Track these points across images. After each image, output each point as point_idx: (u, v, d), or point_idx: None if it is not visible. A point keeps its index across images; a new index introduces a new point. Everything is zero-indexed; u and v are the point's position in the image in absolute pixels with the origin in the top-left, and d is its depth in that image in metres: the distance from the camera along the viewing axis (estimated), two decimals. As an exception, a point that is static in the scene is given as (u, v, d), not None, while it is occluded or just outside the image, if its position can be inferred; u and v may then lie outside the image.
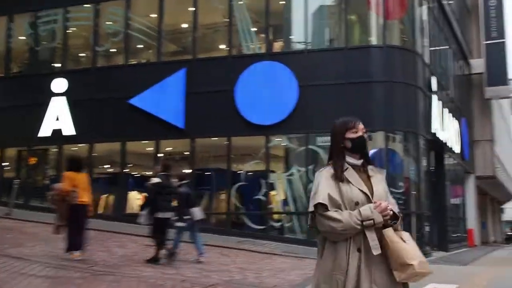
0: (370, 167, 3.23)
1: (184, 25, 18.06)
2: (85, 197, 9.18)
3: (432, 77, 17.21)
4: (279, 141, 16.07)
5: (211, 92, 16.01)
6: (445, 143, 18.84)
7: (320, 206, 2.99)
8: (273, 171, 15.87)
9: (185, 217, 10.47)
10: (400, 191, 15.08)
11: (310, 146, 15.41)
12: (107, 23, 18.43)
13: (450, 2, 22.61)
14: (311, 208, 3.02)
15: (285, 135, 15.87)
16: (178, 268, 9.63)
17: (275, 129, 15.50)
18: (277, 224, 15.73)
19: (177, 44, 19.02)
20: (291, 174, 15.55)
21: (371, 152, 15.60)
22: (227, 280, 8.68)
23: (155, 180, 10.03)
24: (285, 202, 15.63)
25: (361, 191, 3.06)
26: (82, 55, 19.84)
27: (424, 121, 16.13)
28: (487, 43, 26.65)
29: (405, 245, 2.98)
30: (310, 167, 15.26)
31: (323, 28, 17.13)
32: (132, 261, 9.91)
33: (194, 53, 16.90)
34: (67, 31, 18.91)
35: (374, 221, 2.94)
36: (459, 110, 22.74)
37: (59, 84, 17.85)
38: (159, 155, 16.83)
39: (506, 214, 60.21)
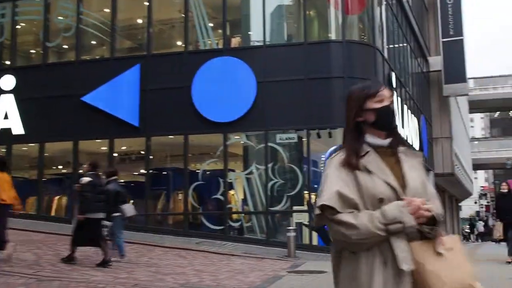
0: (401, 149, 2.39)
1: (139, 21, 17.52)
2: (4, 196, 8.82)
3: (392, 73, 17.09)
4: (238, 139, 15.68)
5: (167, 89, 15.50)
6: (406, 140, 18.78)
7: (328, 209, 2.21)
8: (231, 170, 15.46)
9: (114, 215, 10.10)
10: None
11: (270, 144, 15.07)
12: (59, 17, 17.69)
13: (409, -1, 22.65)
14: (316, 211, 2.28)
15: (244, 133, 15.50)
16: (130, 271, 9.15)
17: (233, 126, 15.10)
18: (236, 224, 15.35)
19: (132, 40, 18.45)
20: (250, 173, 15.19)
21: (330, 150, 15.32)
22: (182, 283, 8.28)
23: (85, 179, 9.56)
24: (244, 201, 15.26)
25: (387, 183, 2.25)
26: (32, 51, 19.04)
27: (384, 117, 15.96)
28: (445, 41, 26.84)
29: (437, 265, 2.19)
30: (270, 165, 14.93)
31: (282, 23, 16.83)
32: (81, 265, 9.38)
33: (149, 49, 16.35)
34: (16, 26, 18.10)
35: (403, 225, 2.16)
36: (418, 108, 22.78)
37: (7, 82, 17.04)
38: (114, 154, 16.24)
39: (463, 211, 61.37)
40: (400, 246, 2.18)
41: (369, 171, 2.28)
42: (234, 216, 15.53)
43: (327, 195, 2.22)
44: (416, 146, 20.91)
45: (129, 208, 10.57)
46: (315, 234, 14.96)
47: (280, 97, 15.09)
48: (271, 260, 12.32)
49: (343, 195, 2.22)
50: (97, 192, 9.55)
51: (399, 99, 17.72)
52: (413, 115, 20.75)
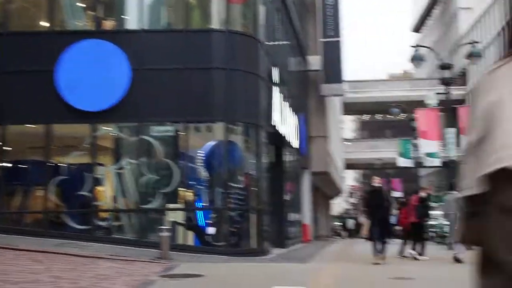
0: None
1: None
2: None
3: (273, 68, 16.59)
4: (108, 130, 14.32)
5: (27, 72, 13.74)
6: (285, 137, 18.42)
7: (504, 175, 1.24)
8: (100, 164, 14.08)
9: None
10: (240, 185, 14.19)
11: (143, 137, 13.93)
12: None
13: (291, -4, 22.41)
14: (471, 188, 1.39)
15: (115, 124, 14.18)
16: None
17: (103, 116, 13.71)
18: (104, 224, 13.99)
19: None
20: (121, 168, 13.92)
21: (209, 145, 14.54)
22: (32, 295, 6.99)
23: None
24: (113, 198, 13.97)
25: None
26: None
27: (265, 113, 15.42)
28: (324, 41, 27.08)
29: None
30: (143, 159, 13.80)
31: (161, 8, 15.70)
32: None
33: (6, 26, 14.49)
34: None
35: None
36: (297, 105, 22.62)
37: None
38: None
39: (333, 209, 63.44)
40: None
41: None
42: (102, 214, 14.17)
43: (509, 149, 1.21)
44: (295, 144, 20.69)
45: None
46: (190, 234, 14.09)
47: (156, 86, 13.99)
48: (142, 263, 11.20)
49: None
50: None
51: (279, 94, 17.30)
52: (293, 112, 20.50)
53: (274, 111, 16.21)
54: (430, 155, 31.29)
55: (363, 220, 24.02)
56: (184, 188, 13.90)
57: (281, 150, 18.73)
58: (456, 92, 44.46)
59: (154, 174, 13.87)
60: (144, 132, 13.94)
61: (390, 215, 13.71)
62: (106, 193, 14.07)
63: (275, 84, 16.61)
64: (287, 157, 19.76)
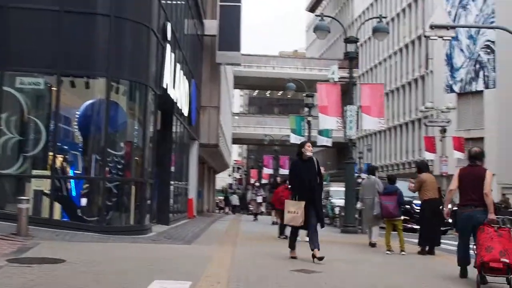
0: None
1: None
2: None
3: (167, 24, 14.64)
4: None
5: None
6: (176, 103, 16.60)
7: None
8: None
9: None
10: (121, 153, 12.27)
11: (6, 88, 11.58)
12: None
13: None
14: None
15: (-31, 71, 11.68)
16: None
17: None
18: None
19: None
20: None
21: (86, 104, 12.43)
22: None
23: None
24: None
25: None
26: None
27: (155, 73, 13.53)
28: (222, 5, 25.38)
29: None
30: (3, 115, 11.52)
31: None
32: None
33: None
34: None
35: None
36: (190, 71, 20.82)
37: None
38: None
39: (217, 183, 62.46)
40: None
41: None
42: None
43: None
44: (185, 111, 18.93)
45: None
46: (58, 206, 12.01)
47: (26, 29, 11.68)
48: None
49: None
50: None
51: (172, 55, 15.41)
52: (185, 77, 18.68)
53: (165, 72, 14.33)
54: (323, 133, 30.85)
55: (251, 196, 23.12)
56: (53, 152, 11.75)
57: (170, 117, 16.89)
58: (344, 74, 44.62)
59: (16, 134, 11.62)
60: (6, 83, 11.60)
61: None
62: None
63: (169, 43, 14.72)
64: (177, 126, 17.96)
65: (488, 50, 40.69)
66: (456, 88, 43.44)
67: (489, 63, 40.78)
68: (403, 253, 11.19)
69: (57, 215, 11.93)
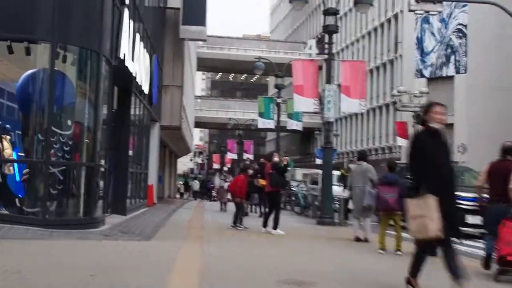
0: None
1: None
2: None
3: (125, -14, 12.67)
4: None
5: None
6: (135, 78, 14.66)
7: None
8: None
9: None
10: (68, 132, 10.36)
11: None
12: None
13: None
14: None
15: None
16: None
17: None
18: None
19: None
20: None
21: (26, 75, 10.44)
22: None
23: None
24: None
25: None
26: None
27: (110, 40, 11.60)
28: (187, -25, 23.37)
29: None
30: None
31: None
32: None
33: None
34: None
35: None
36: (151, 45, 18.85)
37: None
38: None
39: (178, 168, 60.51)
40: None
41: None
42: None
43: None
44: (146, 89, 17.00)
45: None
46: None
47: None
48: None
49: None
50: None
51: (131, 22, 13.48)
52: (145, 51, 16.72)
53: (123, 40, 12.39)
54: (293, 116, 29.25)
55: (220, 183, 21.39)
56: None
57: (128, 94, 14.95)
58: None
59: None
60: None
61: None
62: None
63: (127, 7, 12.79)
64: (135, 104, 16.01)
65: (460, 34, 39.67)
66: (426, 73, 42.42)
67: (460, 48, 39.79)
68: (398, 253, 9.68)
69: (-9, 205, 10.00)
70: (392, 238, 10.17)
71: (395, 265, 8.28)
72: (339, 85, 16.36)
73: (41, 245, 8.03)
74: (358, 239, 11.39)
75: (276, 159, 13.01)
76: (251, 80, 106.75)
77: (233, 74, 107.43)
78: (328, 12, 15.86)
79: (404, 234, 10.09)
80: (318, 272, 7.18)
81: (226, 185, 19.93)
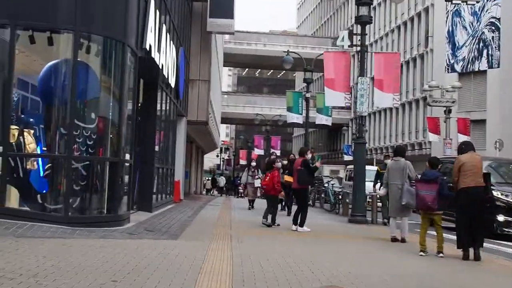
0: None
1: None
2: None
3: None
4: None
5: None
6: (162, 70, 14.21)
7: None
8: None
9: None
10: (91, 126, 9.93)
11: None
12: None
13: None
14: None
15: None
16: None
17: None
18: None
19: None
20: None
21: (48, 66, 10.05)
22: None
23: None
24: None
25: None
26: None
27: (136, 29, 11.15)
28: (215, -33, 22.83)
29: None
30: None
31: None
32: None
33: None
34: None
35: None
36: (178, 37, 18.41)
37: None
38: None
39: (205, 164, 60.28)
40: None
41: None
42: None
43: None
44: (173, 82, 16.56)
45: None
46: (14, 192, 9.71)
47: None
48: None
49: None
50: None
51: (157, 12, 13.02)
52: (172, 43, 16.26)
53: (149, 29, 11.93)
54: (323, 111, 28.54)
55: (248, 179, 20.83)
56: (6, 125, 9.42)
57: (155, 87, 14.52)
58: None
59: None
60: None
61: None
62: None
63: (153, -3, 12.32)
64: (162, 98, 15.58)
65: (493, 28, 38.37)
66: (458, 67, 41.17)
67: (493, 41, 38.51)
68: (440, 255, 9.03)
69: (12, 202, 9.64)
70: (432, 239, 9.55)
71: (441, 269, 7.64)
72: (372, 78, 15.66)
73: (62, 245, 7.59)
74: (395, 239, 10.78)
75: (309, 155, 12.58)
76: (278, 76, 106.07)
77: (259, 70, 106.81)
78: (361, 2, 15.18)
79: (445, 235, 9.52)
80: (362, 277, 6.58)
81: (256, 182, 19.29)
